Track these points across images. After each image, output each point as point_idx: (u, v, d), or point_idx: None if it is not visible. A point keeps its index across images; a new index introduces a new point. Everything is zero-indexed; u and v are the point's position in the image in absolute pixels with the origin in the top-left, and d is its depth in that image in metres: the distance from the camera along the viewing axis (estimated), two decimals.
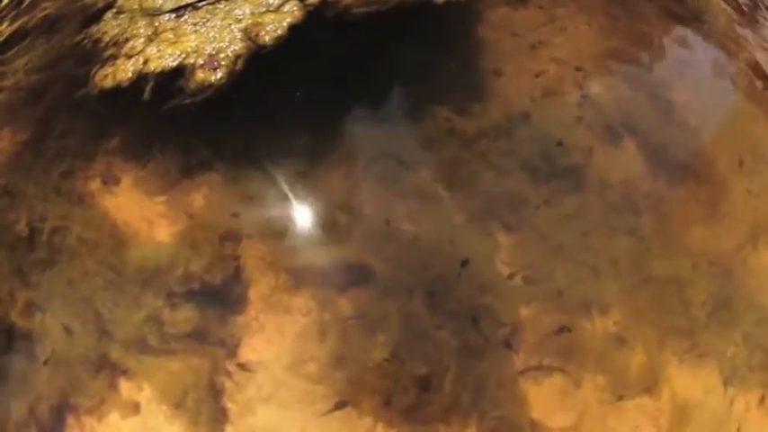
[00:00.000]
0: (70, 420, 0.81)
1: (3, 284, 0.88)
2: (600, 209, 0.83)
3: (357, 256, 0.76)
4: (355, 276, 0.76)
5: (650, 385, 0.82)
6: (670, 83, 0.92)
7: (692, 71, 0.95)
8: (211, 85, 0.82)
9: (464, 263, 0.76)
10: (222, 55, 0.79)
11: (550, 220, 0.81)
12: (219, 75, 0.80)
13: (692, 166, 0.89)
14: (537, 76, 0.86)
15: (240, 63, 0.82)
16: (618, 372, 0.81)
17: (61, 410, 0.80)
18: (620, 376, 0.81)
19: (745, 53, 1.00)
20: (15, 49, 1.03)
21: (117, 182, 0.84)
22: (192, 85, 0.83)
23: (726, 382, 0.86)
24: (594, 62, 0.88)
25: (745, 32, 1.01)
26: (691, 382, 0.84)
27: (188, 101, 0.82)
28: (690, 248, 0.87)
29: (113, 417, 0.80)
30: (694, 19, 0.98)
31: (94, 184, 0.85)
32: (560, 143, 0.82)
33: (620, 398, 0.81)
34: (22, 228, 0.85)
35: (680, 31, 0.97)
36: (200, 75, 0.81)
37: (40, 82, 0.95)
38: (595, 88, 0.87)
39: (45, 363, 0.82)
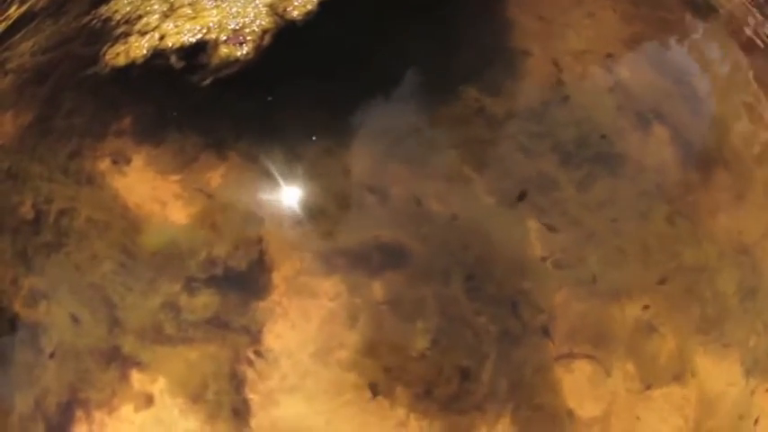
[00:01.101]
0: (79, 414, 0.72)
1: (6, 271, 0.79)
2: (631, 195, 0.77)
3: (389, 237, 0.69)
4: (388, 258, 0.68)
5: (678, 374, 0.76)
6: (692, 70, 0.87)
7: (712, 60, 0.91)
8: (237, 60, 0.74)
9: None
10: (247, 30, 0.71)
11: (582, 204, 0.75)
12: (246, 50, 0.72)
13: (720, 155, 0.84)
14: (566, 59, 0.80)
15: (267, 38, 0.74)
16: (647, 360, 0.75)
17: (70, 405, 0.72)
18: (649, 365, 0.75)
19: (760, 46, 0.96)
20: (22, 32, 0.95)
21: (128, 161, 0.76)
22: (215, 61, 0.75)
23: (747, 373, 0.81)
24: (622, 47, 0.83)
25: (760, 24, 0.97)
26: (715, 371, 0.79)
27: (211, 77, 0.74)
28: (716, 236, 0.82)
29: (125, 410, 0.72)
30: (712, 9, 0.94)
31: (104, 164, 0.76)
32: (592, 128, 0.76)
33: (649, 387, 0.75)
34: (27, 210, 0.76)
35: (698, 20, 0.92)
36: (224, 50, 0.73)
37: (46, 62, 0.87)
38: (625, 73, 0.81)
39: (51, 356, 0.73)
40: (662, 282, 0.77)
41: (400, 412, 0.67)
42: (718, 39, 0.92)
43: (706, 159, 0.84)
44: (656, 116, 0.80)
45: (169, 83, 0.76)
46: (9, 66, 0.93)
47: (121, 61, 0.79)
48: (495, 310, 0.68)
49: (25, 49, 0.93)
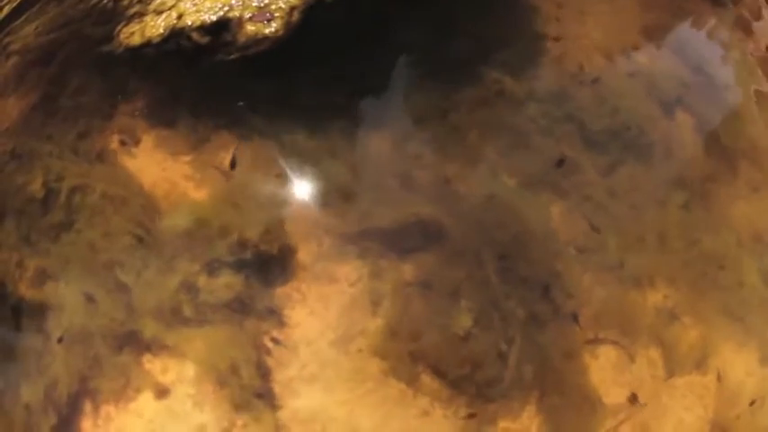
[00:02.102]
0: (87, 407, 0.67)
1: (11, 255, 0.74)
2: (652, 181, 0.73)
3: (413, 217, 0.64)
4: (413, 239, 0.63)
5: (699, 362, 0.73)
6: (710, 59, 0.83)
7: (727, 49, 0.87)
8: (266, 37, 0.68)
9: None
10: (274, 7, 0.66)
11: (604, 189, 0.71)
12: (274, 27, 0.67)
13: (737, 144, 0.80)
14: (585, 43, 0.76)
15: (296, 15, 0.69)
16: (669, 347, 0.72)
17: (78, 395, 0.66)
18: (671, 352, 0.72)
19: None
20: (25, 15, 0.89)
21: (137, 142, 0.71)
22: (241, 39, 0.69)
23: (762, 364, 0.77)
24: (642, 34, 0.79)
25: None
26: (735, 362, 0.75)
27: (237, 54, 0.69)
28: (734, 224, 0.78)
29: (135, 402, 0.66)
30: None
31: (113, 145, 0.72)
32: (615, 113, 0.72)
33: (672, 374, 0.71)
34: (37, 188, 0.71)
35: (714, 8, 0.89)
36: (250, 28, 0.67)
37: (52, 42, 0.81)
38: (645, 60, 0.77)
39: (60, 341, 0.68)
40: (682, 269, 0.74)
41: (424, 401, 0.62)
42: (732, 28, 0.89)
43: (724, 147, 0.80)
44: (678, 103, 0.77)
45: (184, 62, 0.71)
46: (12, 47, 0.88)
47: (136, 40, 0.73)
48: (524, 292, 0.63)
49: (29, 32, 0.87)
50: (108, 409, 0.67)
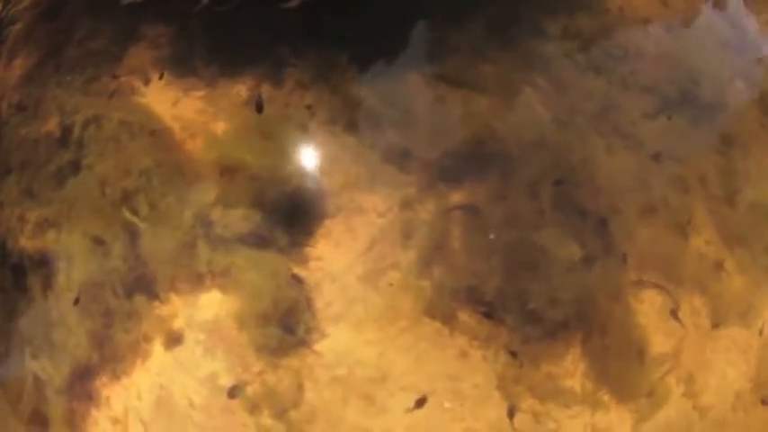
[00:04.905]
0: (98, 367, 0.58)
1: (12, 211, 0.66)
2: (695, 127, 0.66)
3: (449, 146, 0.56)
4: (450, 168, 0.56)
5: (743, 315, 0.66)
6: (742, 13, 0.78)
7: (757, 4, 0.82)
8: None
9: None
10: None
11: (646, 130, 0.64)
12: None
13: None
14: None
15: None
16: (714, 297, 0.64)
17: (90, 357, 0.58)
18: (715, 302, 0.64)
19: None
20: None
21: (147, 82, 0.63)
22: None
23: None
24: None
25: None
26: None
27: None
28: None
29: (144, 355, 0.58)
30: None
31: (124, 85, 0.64)
32: (658, 58, 0.66)
33: (716, 326, 0.63)
34: (53, 128, 0.63)
35: None
36: None
37: None
38: (682, 5, 0.71)
39: (76, 302, 0.59)
40: (726, 217, 0.66)
41: (461, 341, 0.54)
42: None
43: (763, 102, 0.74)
44: (720, 54, 0.70)
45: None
46: (20, 6, 0.81)
47: None
48: (578, 224, 0.55)
49: None
50: (116, 365, 0.59)
